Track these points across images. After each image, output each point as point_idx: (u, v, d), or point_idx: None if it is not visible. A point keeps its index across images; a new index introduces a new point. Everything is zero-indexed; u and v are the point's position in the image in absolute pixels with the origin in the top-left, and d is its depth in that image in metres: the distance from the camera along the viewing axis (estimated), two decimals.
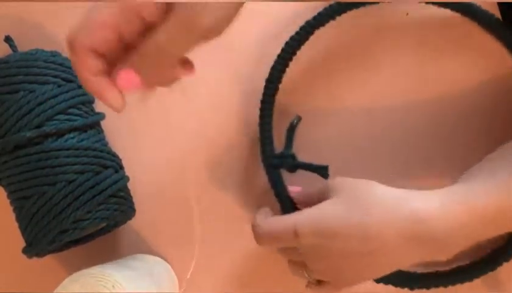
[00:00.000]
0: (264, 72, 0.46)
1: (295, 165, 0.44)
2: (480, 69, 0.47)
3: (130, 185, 0.46)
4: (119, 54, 0.30)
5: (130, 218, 0.46)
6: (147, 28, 0.29)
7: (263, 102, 0.45)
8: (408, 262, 0.36)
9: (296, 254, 0.39)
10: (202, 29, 0.29)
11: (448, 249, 0.35)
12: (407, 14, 0.49)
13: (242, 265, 0.48)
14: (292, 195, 0.44)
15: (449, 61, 0.47)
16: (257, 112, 0.46)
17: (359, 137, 0.48)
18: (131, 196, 0.46)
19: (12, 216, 0.43)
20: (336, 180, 0.39)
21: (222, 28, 0.31)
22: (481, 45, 0.47)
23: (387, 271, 0.37)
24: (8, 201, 0.43)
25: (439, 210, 0.34)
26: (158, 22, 0.29)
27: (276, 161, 0.44)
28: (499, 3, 0.46)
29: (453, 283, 0.41)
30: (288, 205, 0.44)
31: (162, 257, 0.48)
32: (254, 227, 0.39)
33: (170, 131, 0.49)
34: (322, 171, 0.44)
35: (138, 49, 0.30)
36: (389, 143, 0.47)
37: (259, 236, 0.39)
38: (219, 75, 0.49)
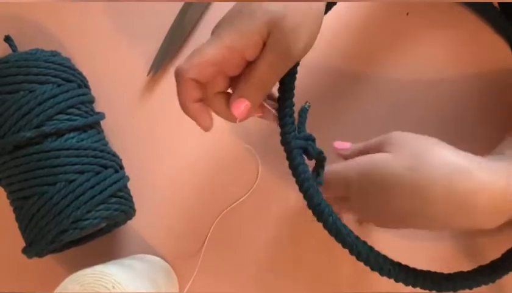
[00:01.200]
0: None
1: (320, 152, 0.38)
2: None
3: (130, 185, 0.46)
4: (220, 83, 0.36)
5: (130, 218, 0.46)
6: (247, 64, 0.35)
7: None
8: (454, 228, 0.36)
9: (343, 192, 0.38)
10: (296, 56, 0.35)
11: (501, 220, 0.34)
12: (407, 14, 0.49)
13: (246, 269, 0.48)
14: (340, 151, 0.41)
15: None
16: None
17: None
18: (131, 196, 0.46)
19: (12, 216, 0.43)
20: (395, 134, 0.37)
21: (309, 49, 0.36)
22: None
23: (433, 229, 0.37)
24: (8, 201, 0.43)
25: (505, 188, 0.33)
26: (256, 58, 0.35)
27: (301, 142, 0.38)
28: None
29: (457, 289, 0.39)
30: (317, 195, 0.37)
31: (162, 257, 0.48)
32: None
33: (170, 131, 0.49)
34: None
35: (243, 80, 0.35)
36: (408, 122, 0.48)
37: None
38: None
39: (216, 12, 0.50)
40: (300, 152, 0.38)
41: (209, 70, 0.34)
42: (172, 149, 0.49)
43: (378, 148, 0.37)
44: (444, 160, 0.34)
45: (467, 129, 0.47)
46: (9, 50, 0.46)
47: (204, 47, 0.34)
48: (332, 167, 0.38)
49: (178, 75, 0.35)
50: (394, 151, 0.35)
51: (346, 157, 0.40)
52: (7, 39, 0.47)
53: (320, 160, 0.38)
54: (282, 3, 0.34)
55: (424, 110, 0.48)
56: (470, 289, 0.38)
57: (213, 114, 0.38)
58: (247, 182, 0.48)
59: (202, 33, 0.50)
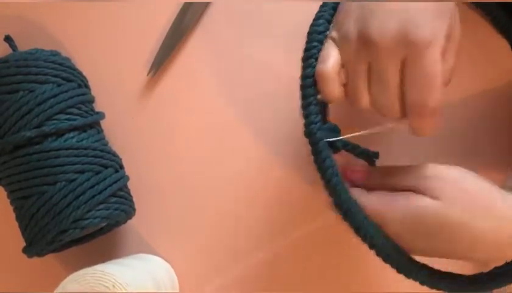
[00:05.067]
0: None
1: (346, 144, 0.37)
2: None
3: (130, 185, 0.46)
4: None
5: (130, 218, 0.46)
6: None
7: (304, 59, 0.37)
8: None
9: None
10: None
11: None
12: None
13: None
14: (353, 180, 0.37)
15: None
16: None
17: None
18: (131, 196, 0.46)
19: (12, 216, 0.43)
20: (439, 177, 0.35)
21: None
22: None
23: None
24: (8, 200, 0.43)
25: None
26: None
27: (327, 134, 0.36)
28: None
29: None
30: (345, 193, 0.35)
31: (162, 257, 0.48)
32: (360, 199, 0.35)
33: (170, 130, 0.49)
34: (371, 157, 0.38)
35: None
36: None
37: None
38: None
39: (216, 12, 0.50)
40: (327, 145, 0.35)
41: None
42: (172, 148, 0.49)
43: (415, 188, 0.35)
44: (495, 214, 0.34)
45: (471, 140, 0.48)
46: (9, 50, 0.46)
47: None
48: (362, 201, 0.35)
49: None
50: (444, 198, 0.34)
51: (361, 185, 0.38)
52: (7, 39, 0.47)
53: (352, 150, 0.37)
54: None
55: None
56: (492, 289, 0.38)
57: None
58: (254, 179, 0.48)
59: (202, 33, 0.50)
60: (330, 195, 0.36)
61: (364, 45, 0.34)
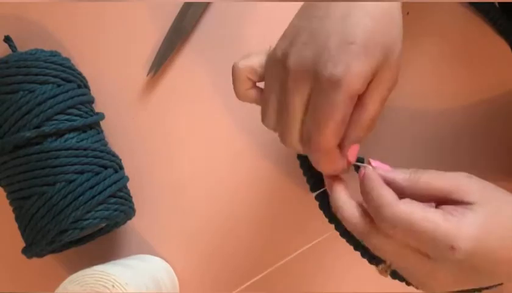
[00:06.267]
0: None
1: None
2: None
3: (130, 185, 0.46)
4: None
5: (130, 218, 0.46)
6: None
7: None
8: None
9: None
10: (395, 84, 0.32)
11: None
12: (407, 13, 0.49)
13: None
14: (378, 171, 0.32)
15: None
16: None
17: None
18: (131, 196, 0.46)
19: (12, 216, 0.43)
20: (479, 185, 0.31)
21: None
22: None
23: None
24: (8, 201, 0.43)
25: None
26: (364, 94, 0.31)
27: None
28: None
29: None
30: (326, 200, 0.36)
31: (162, 257, 0.48)
32: (382, 206, 0.30)
33: (170, 131, 0.49)
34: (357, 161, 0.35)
35: (355, 123, 0.31)
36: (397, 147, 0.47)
37: (389, 220, 0.29)
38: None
39: (216, 12, 0.50)
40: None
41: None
42: (172, 149, 0.49)
43: (452, 191, 0.30)
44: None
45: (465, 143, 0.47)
46: (9, 51, 0.46)
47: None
48: (420, 214, 0.29)
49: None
50: (481, 200, 0.30)
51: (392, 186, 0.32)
52: (7, 39, 0.47)
53: None
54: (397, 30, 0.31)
55: (419, 122, 0.48)
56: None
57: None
58: (252, 175, 0.48)
59: (202, 33, 0.50)
60: (315, 199, 0.37)
61: (280, 67, 0.32)
